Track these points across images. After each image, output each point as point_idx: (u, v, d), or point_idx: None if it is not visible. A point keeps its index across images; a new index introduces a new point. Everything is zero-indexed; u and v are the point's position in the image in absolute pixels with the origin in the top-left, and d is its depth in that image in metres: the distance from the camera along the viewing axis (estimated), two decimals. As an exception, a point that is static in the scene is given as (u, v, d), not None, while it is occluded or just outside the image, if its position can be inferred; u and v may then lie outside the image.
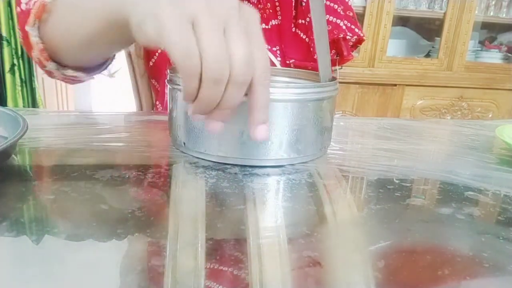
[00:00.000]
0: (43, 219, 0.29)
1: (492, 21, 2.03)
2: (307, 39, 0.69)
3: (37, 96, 1.91)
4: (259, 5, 0.68)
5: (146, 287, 0.22)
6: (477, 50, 2.04)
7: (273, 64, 0.68)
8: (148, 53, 0.73)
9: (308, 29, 0.69)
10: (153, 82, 0.76)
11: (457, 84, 1.93)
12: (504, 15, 1.99)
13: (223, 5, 0.31)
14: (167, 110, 0.45)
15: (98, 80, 0.65)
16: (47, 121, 0.55)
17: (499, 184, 0.40)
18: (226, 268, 0.23)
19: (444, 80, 1.92)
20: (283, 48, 0.70)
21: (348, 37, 0.69)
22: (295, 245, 0.27)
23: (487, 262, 0.26)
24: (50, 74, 0.53)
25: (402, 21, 2.00)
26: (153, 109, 0.80)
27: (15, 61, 1.80)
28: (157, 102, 0.74)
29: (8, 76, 1.79)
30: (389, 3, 1.79)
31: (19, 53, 1.77)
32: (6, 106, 1.64)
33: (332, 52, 0.71)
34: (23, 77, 1.84)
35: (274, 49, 0.70)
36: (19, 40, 1.56)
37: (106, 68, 0.57)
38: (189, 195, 0.34)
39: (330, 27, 0.68)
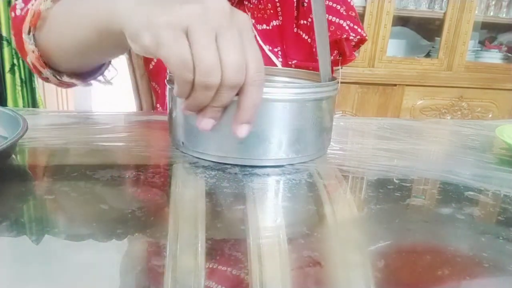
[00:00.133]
0: (43, 219, 0.29)
1: (492, 21, 2.03)
2: (309, 39, 0.69)
3: (37, 96, 1.91)
4: (260, 6, 0.68)
5: (146, 287, 0.22)
6: (477, 50, 2.04)
7: (274, 64, 0.67)
8: (147, 57, 0.73)
9: (310, 29, 0.68)
10: (154, 85, 0.76)
11: (457, 84, 1.93)
12: (504, 15, 1.99)
13: (215, 11, 0.32)
14: (167, 111, 0.45)
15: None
16: (47, 121, 0.55)
17: (499, 184, 0.40)
18: (226, 268, 0.23)
19: (444, 80, 1.92)
20: (285, 48, 0.70)
21: (351, 37, 0.69)
22: (295, 245, 0.27)
23: (487, 262, 0.26)
24: (45, 79, 0.53)
25: (402, 21, 1.99)
26: (153, 111, 0.80)
27: (15, 61, 1.80)
28: (158, 105, 0.74)
29: (8, 76, 1.79)
30: (389, 3, 1.79)
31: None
32: (6, 106, 1.64)
33: (335, 52, 0.70)
34: (23, 77, 1.84)
35: (276, 49, 0.69)
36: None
37: (101, 73, 0.57)
38: (189, 195, 0.34)
39: (333, 27, 0.67)
